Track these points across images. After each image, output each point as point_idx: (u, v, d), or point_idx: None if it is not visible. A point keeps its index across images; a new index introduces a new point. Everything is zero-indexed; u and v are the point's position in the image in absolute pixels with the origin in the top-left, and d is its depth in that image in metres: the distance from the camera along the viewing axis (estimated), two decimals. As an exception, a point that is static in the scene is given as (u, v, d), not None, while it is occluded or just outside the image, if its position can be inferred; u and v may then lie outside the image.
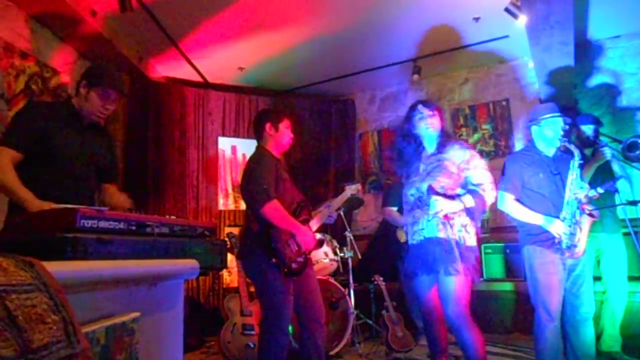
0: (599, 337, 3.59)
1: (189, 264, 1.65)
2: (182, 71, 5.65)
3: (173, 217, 2.20)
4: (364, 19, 4.57)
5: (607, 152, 3.40)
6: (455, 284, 2.58)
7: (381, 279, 4.35)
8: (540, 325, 2.84)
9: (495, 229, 5.16)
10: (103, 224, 1.74)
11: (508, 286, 4.66)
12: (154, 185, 5.32)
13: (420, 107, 2.88)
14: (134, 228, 1.84)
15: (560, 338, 2.87)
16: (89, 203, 2.37)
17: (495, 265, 4.72)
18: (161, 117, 5.48)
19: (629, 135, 4.58)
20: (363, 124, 6.52)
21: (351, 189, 3.49)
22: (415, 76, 5.40)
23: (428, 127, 2.81)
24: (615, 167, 3.71)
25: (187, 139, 5.64)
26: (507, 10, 3.96)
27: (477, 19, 4.58)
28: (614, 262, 3.62)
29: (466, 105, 5.82)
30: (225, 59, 5.40)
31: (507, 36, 4.91)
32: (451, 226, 2.64)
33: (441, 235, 2.64)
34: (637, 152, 3.27)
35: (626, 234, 3.67)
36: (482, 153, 5.35)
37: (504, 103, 5.58)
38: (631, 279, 3.73)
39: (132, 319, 1.26)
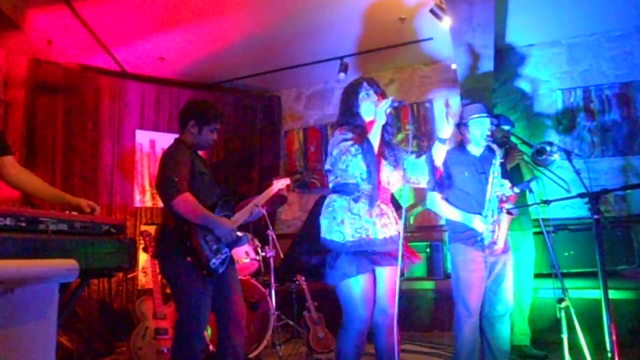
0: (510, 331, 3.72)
1: (65, 264, 1.40)
2: (98, 59, 5.26)
3: (74, 212, 1.99)
4: (292, 14, 4.46)
5: (519, 157, 3.56)
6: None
7: (303, 278, 4.25)
8: (460, 321, 2.91)
9: (418, 227, 5.24)
10: (-18, 220, 1.53)
11: (428, 284, 4.73)
12: (63, 179, 4.89)
13: (365, 84, 2.53)
14: (23, 225, 1.63)
15: (478, 334, 2.93)
16: None
17: (416, 264, 4.76)
18: (72, 106, 5.06)
19: (542, 139, 4.83)
20: (289, 121, 6.43)
21: (279, 183, 3.36)
22: (342, 74, 5.36)
23: (375, 107, 2.43)
24: (524, 170, 3.86)
25: (100, 131, 5.25)
26: (432, 11, 4.00)
27: (402, 20, 4.60)
28: (524, 259, 3.74)
29: (391, 105, 5.86)
30: (145, 48, 5.09)
31: (431, 38, 4.98)
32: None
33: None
34: (544, 157, 3.44)
35: (537, 233, 3.83)
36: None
37: (427, 104, 5.67)
38: (537, 275, 3.90)
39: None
